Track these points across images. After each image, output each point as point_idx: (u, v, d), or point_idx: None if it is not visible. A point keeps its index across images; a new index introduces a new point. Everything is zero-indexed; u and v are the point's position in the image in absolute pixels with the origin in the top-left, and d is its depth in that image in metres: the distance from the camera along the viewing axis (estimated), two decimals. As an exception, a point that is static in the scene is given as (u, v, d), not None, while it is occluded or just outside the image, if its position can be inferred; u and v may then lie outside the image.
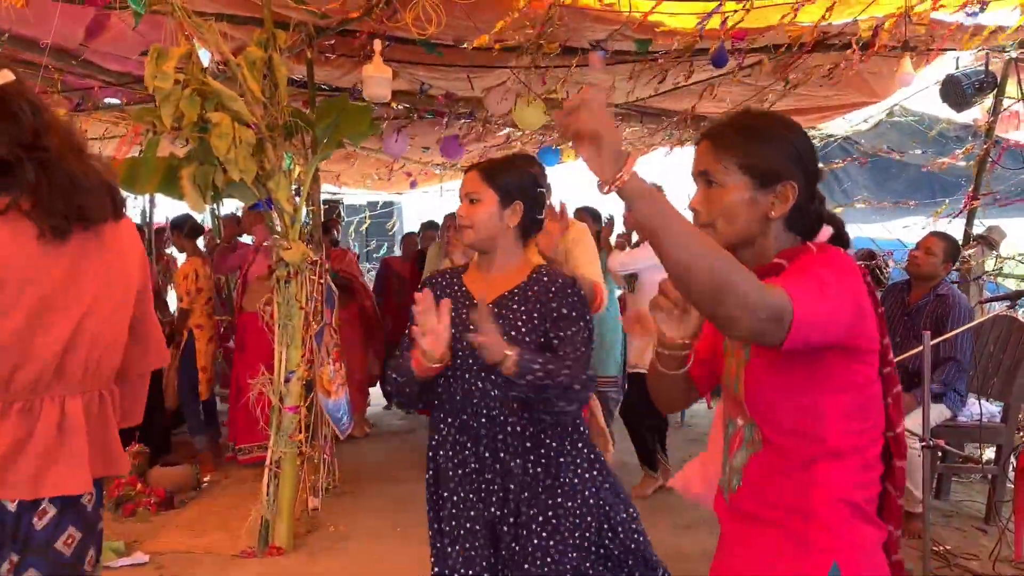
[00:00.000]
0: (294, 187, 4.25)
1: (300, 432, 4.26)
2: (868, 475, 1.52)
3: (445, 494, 2.29)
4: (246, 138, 3.79)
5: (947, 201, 6.38)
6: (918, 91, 6.05)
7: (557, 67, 5.24)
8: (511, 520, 2.23)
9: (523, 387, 2.07)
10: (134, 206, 8.32)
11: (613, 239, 5.84)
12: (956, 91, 5.33)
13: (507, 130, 7.38)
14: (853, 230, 8.98)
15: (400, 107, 6.75)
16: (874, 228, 8.05)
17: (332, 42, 5.07)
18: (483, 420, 2.24)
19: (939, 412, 4.33)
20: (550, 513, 2.21)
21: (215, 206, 7.16)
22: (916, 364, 3.96)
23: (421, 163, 9.52)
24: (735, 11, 3.92)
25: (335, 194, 11.64)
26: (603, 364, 5.49)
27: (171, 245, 6.94)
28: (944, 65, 5.64)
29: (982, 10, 4.24)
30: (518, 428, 2.23)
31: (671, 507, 4.85)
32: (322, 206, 5.44)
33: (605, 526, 2.30)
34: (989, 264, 6.08)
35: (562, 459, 2.26)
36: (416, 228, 8.51)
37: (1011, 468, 4.46)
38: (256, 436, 5.40)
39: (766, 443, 1.55)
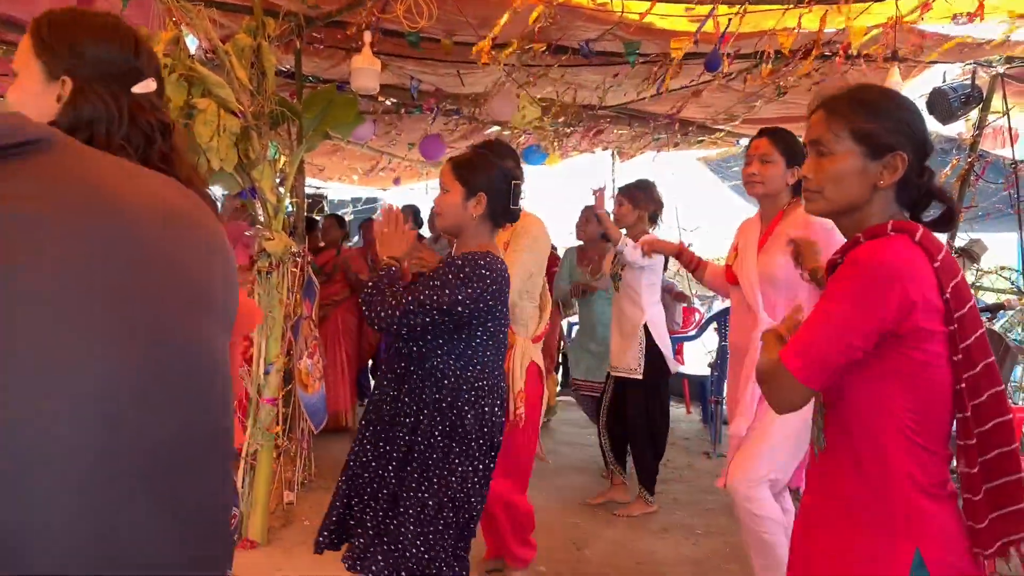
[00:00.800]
0: (278, 177, 4.21)
1: (277, 424, 4.22)
2: (931, 459, 1.53)
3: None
4: (230, 126, 3.74)
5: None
6: (905, 103, 6.07)
7: (548, 66, 5.22)
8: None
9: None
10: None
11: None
12: (942, 104, 5.35)
13: (495, 128, 7.34)
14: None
15: (389, 102, 6.71)
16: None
17: (321, 35, 5.04)
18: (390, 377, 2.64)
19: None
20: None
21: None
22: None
23: (407, 160, 9.48)
24: (728, 16, 3.92)
25: (319, 188, 11.57)
26: (598, 369, 5.46)
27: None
28: (931, 78, 5.68)
29: (971, 22, 4.26)
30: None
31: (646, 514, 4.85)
32: (306, 199, 5.40)
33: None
34: (970, 277, 6.11)
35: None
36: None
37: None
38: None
39: (834, 418, 1.64)
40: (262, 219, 4.13)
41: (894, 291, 1.46)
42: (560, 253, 6.59)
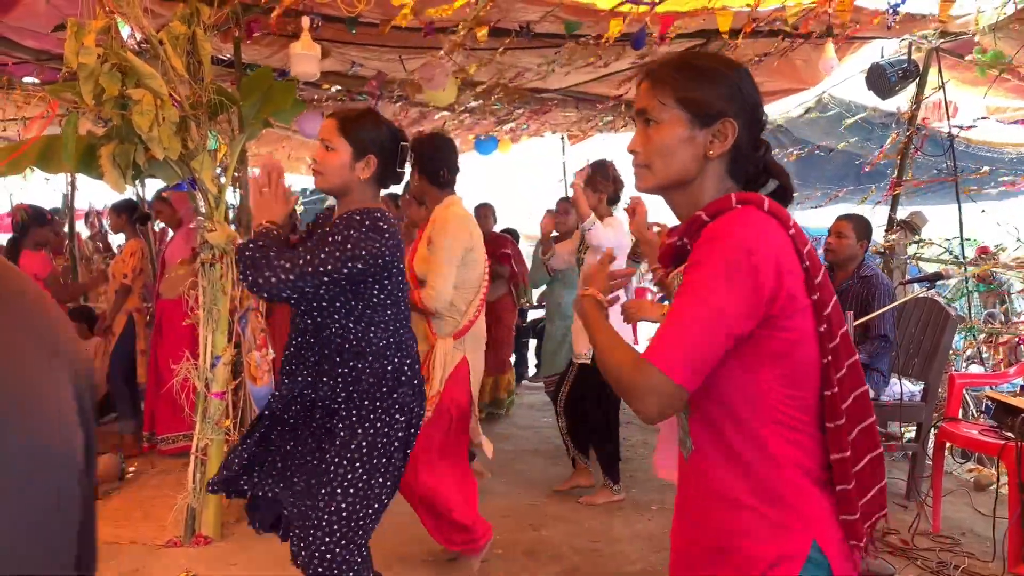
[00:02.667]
0: (219, 168, 4.14)
1: (227, 418, 4.17)
2: (812, 442, 1.44)
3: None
4: (169, 116, 3.66)
5: (873, 187, 6.54)
6: (845, 79, 6.19)
7: (488, 49, 5.20)
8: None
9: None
10: (55, 190, 8.03)
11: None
12: (880, 79, 5.46)
13: (443, 113, 7.31)
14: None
15: (332, 89, 6.63)
16: (804, 215, 8.23)
17: (259, 22, 4.95)
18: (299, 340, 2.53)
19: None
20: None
21: (137, 187, 6.96)
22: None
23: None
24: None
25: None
26: (554, 360, 5.44)
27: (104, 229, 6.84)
28: (870, 54, 5.77)
29: (903, 2, 4.35)
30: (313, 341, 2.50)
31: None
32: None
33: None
34: (911, 248, 6.25)
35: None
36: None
37: (930, 446, 4.61)
38: (179, 426, 5.30)
39: (699, 414, 1.50)
40: (204, 210, 4.06)
41: (764, 263, 1.34)
42: (520, 237, 6.59)
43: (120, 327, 5.77)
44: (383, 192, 2.78)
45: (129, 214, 5.88)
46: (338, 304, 2.39)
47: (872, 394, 4.47)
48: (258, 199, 2.45)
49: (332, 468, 2.43)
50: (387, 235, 2.36)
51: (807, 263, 1.40)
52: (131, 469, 5.34)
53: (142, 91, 3.64)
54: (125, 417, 5.83)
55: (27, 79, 6.71)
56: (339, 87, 6.61)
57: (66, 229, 7.69)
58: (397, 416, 2.49)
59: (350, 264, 2.29)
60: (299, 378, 2.50)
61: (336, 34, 5.15)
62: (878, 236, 6.22)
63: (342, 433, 2.45)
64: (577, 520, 4.48)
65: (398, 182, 2.59)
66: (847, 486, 1.42)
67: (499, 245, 6.64)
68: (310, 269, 2.25)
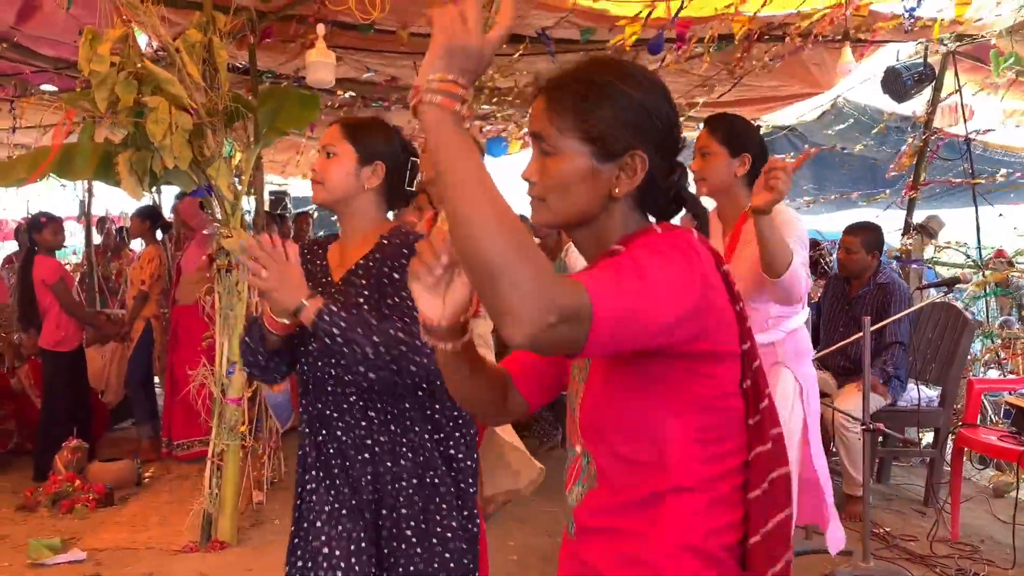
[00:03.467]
0: (235, 175, 4.16)
1: (243, 424, 4.19)
2: (725, 516, 1.24)
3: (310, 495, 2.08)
4: (183, 124, 3.69)
5: (887, 192, 6.51)
6: (861, 82, 6.16)
7: (504, 55, 5.21)
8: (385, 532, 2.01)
9: (323, 342, 1.88)
10: (72, 198, 8.09)
11: None
12: (896, 83, 5.43)
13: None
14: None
15: (346, 95, 6.67)
16: (819, 220, 8.20)
17: (274, 30, 4.98)
18: (336, 410, 2.02)
19: (879, 397, 4.42)
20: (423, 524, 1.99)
21: (154, 194, 7.03)
22: (858, 352, 4.04)
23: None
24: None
25: (281, 185, 11.47)
26: None
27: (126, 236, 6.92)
28: (886, 57, 5.75)
29: (919, 5, 4.32)
30: (379, 417, 2.01)
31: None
32: (268, 197, 5.37)
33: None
34: (928, 252, 6.21)
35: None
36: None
37: (948, 451, 4.57)
38: (194, 431, 5.34)
39: (601, 477, 1.29)
40: (220, 217, 4.08)
41: (698, 263, 1.16)
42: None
43: (138, 333, 5.82)
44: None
45: (152, 221, 5.93)
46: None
47: (890, 399, 4.51)
48: (275, 286, 1.87)
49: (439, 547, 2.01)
50: None
51: (739, 307, 1.24)
52: (148, 474, 5.36)
53: (158, 99, 3.67)
54: (142, 422, 5.88)
55: (44, 87, 6.77)
56: (352, 93, 6.64)
57: (83, 236, 7.77)
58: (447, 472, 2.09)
59: None
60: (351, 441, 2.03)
61: (351, 40, 5.18)
62: (894, 240, 6.19)
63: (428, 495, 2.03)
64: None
65: (406, 203, 2.28)
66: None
67: None
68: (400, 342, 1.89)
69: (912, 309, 4.25)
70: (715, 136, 2.64)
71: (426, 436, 2.03)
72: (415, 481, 2.01)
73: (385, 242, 2.05)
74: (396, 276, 1.99)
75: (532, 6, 4.25)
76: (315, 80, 4.51)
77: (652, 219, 1.31)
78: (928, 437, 5.17)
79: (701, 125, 2.80)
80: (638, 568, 1.23)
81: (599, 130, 1.21)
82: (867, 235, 4.74)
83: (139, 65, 3.70)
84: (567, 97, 1.23)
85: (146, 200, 7.05)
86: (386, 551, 2.00)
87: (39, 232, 5.30)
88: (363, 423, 2.01)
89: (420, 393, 2.02)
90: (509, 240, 0.98)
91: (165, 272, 5.88)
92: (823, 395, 4.54)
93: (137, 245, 7.82)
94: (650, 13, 3.95)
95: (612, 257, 1.16)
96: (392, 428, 2.01)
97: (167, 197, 7.59)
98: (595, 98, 1.23)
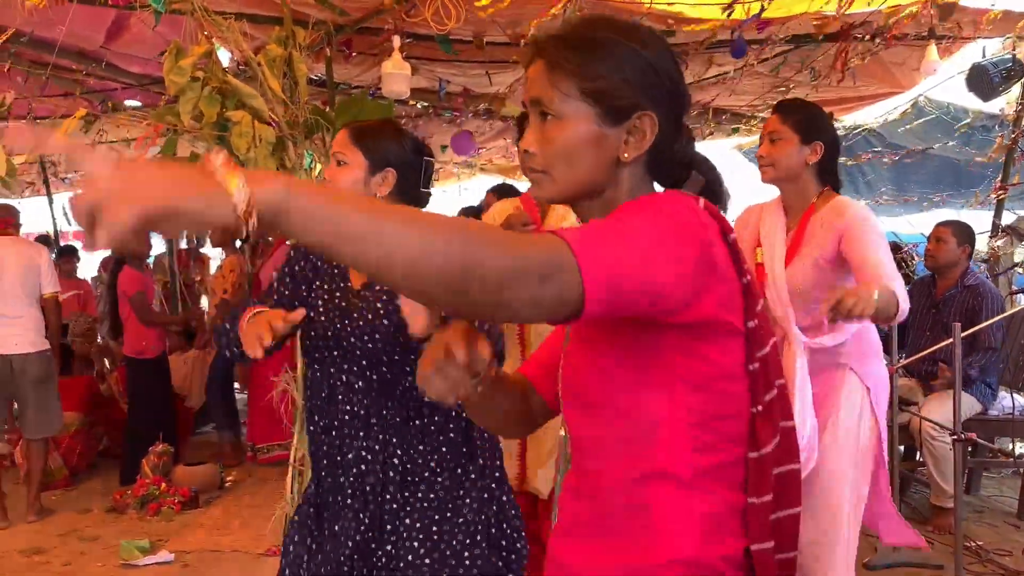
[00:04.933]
0: (315, 185, 4.24)
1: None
2: (724, 519, 1.12)
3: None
4: (266, 136, 3.77)
5: (977, 191, 6.29)
6: (944, 81, 5.96)
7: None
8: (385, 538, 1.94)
9: None
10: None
11: None
12: (982, 80, 5.24)
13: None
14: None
15: (419, 105, 6.74)
16: (898, 222, 7.97)
17: (348, 39, 5.07)
18: (352, 418, 1.96)
19: (969, 405, 4.26)
20: (433, 529, 1.93)
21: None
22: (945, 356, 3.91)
23: (439, 162, 9.51)
24: (759, 1, 3.87)
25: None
26: None
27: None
28: (970, 54, 5.56)
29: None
30: (398, 422, 1.94)
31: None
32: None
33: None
34: (1019, 255, 5.98)
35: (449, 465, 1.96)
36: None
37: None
38: (275, 435, 5.47)
39: (576, 454, 1.21)
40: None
41: (690, 228, 1.04)
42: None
43: (220, 338, 5.98)
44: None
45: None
46: (413, 355, 1.90)
47: (979, 408, 4.35)
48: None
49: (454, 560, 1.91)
50: None
51: (747, 279, 1.12)
52: (230, 478, 5.50)
53: (241, 113, 3.76)
54: (223, 428, 6.04)
55: (130, 103, 7.02)
56: (425, 103, 6.71)
57: (163, 247, 8.00)
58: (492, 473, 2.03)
59: None
60: (361, 454, 1.96)
61: (424, 51, 5.24)
62: (981, 243, 5.97)
63: (449, 511, 1.96)
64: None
65: (423, 204, 2.22)
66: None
67: None
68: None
69: (1006, 314, 4.10)
70: (787, 122, 2.50)
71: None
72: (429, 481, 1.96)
73: None
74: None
75: (606, 10, 4.23)
76: (390, 91, 4.57)
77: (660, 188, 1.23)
78: (1021, 447, 4.97)
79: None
80: None
81: (605, 90, 1.12)
82: (960, 227, 4.62)
83: (222, 80, 3.80)
84: (569, 57, 1.13)
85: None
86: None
87: None
88: (373, 435, 1.95)
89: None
90: (460, 238, 0.86)
91: (245, 281, 6.03)
92: (909, 403, 4.41)
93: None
94: (730, 13, 3.89)
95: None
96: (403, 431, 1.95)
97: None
98: (599, 56, 1.13)
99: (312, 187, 0.85)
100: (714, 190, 1.23)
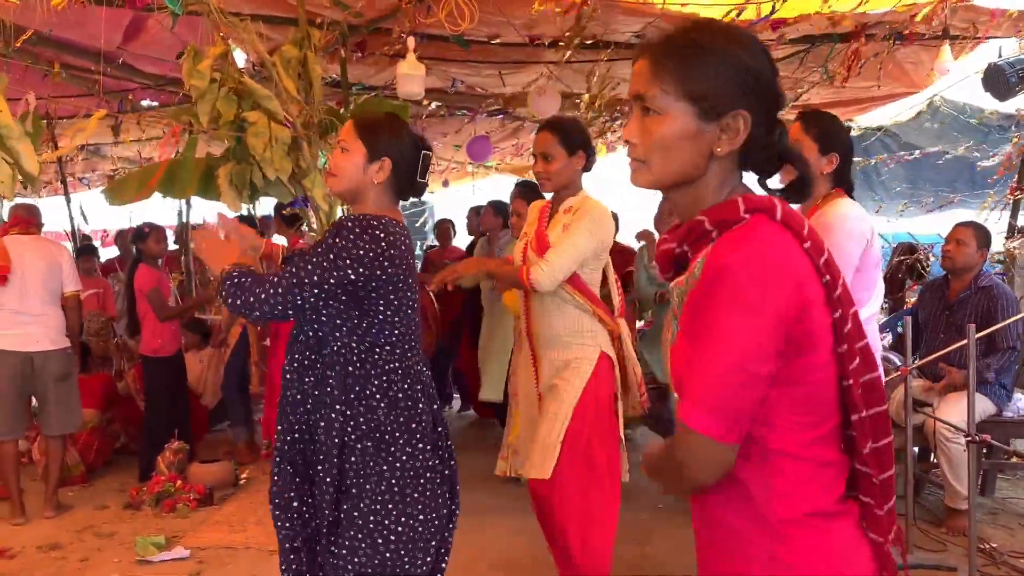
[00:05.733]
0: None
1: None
2: (830, 477, 1.29)
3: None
4: (282, 136, 3.81)
5: (992, 192, 6.25)
6: (960, 80, 5.94)
7: (590, 61, 5.22)
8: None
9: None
10: (170, 207, 8.42)
11: None
12: (999, 80, 5.21)
13: (539, 127, 7.35)
14: (892, 224, 8.73)
15: (432, 105, 6.77)
16: (913, 222, 7.93)
17: (363, 40, 5.10)
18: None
19: (984, 407, 4.25)
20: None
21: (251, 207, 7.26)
22: (960, 360, 3.90)
23: (453, 161, 9.54)
24: (771, 2, 3.87)
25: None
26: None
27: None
28: (987, 53, 5.53)
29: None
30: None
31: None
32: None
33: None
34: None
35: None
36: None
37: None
38: (292, 434, 5.49)
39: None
40: (315, 227, 4.20)
41: (785, 289, 1.19)
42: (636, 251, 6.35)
43: (234, 339, 6.01)
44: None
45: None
46: (339, 321, 2.21)
47: (994, 409, 4.33)
48: (210, 249, 2.34)
49: (360, 519, 2.22)
50: (384, 243, 2.16)
51: (827, 277, 1.24)
52: (244, 476, 5.54)
53: (257, 113, 3.80)
54: (238, 425, 6.07)
55: (145, 103, 7.09)
56: (439, 103, 6.74)
57: (177, 245, 8.06)
58: (419, 445, 2.26)
59: (338, 273, 2.10)
60: (299, 407, 2.30)
61: (437, 51, 5.26)
62: (998, 244, 5.94)
63: (360, 474, 2.22)
64: (684, 537, 4.41)
65: (418, 193, 2.43)
66: (871, 500, 1.30)
67: (625, 261, 5.86)
68: (296, 280, 2.10)
69: (1022, 315, 4.08)
70: (809, 132, 2.71)
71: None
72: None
73: (344, 220, 2.24)
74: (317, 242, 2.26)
75: (619, 11, 4.25)
76: (405, 92, 4.60)
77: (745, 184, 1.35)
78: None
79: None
80: (767, 536, 1.27)
81: (703, 90, 1.24)
82: (980, 230, 4.58)
83: (238, 81, 3.84)
84: (672, 57, 1.26)
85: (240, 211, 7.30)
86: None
87: (143, 241, 5.53)
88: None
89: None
90: (665, 460, 1.35)
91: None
92: (923, 405, 4.39)
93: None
94: (739, 14, 3.89)
95: (693, 329, 1.23)
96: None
97: (262, 209, 7.83)
98: (700, 58, 1.25)
99: None
100: (804, 183, 1.33)
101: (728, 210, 1.25)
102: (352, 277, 2.11)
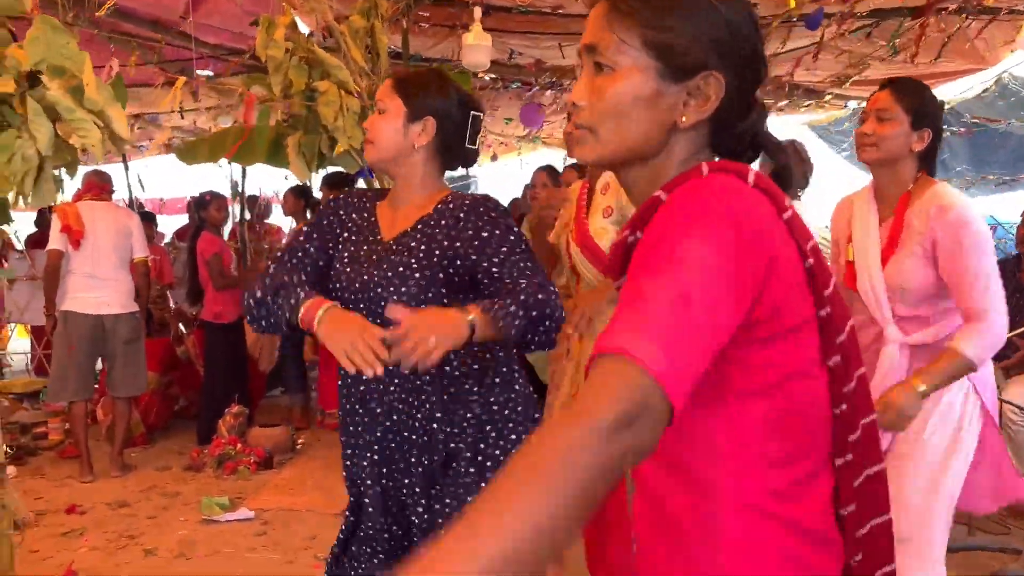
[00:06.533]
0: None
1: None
2: (809, 548, 0.99)
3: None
4: (351, 106, 3.84)
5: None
6: (1030, 57, 5.80)
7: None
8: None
9: (512, 336, 1.71)
10: (225, 177, 8.51)
11: None
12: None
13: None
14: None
15: (487, 77, 6.76)
16: (975, 203, 7.77)
17: (427, 14, 5.11)
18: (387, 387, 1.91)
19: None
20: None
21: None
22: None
23: (503, 135, 9.53)
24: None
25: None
26: None
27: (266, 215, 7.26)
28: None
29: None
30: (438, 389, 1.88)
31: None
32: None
33: None
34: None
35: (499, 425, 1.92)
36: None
37: None
38: (345, 401, 5.59)
39: (641, 484, 1.07)
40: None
41: (747, 233, 0.92)
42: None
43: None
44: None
45: (306, 199, 6.19)
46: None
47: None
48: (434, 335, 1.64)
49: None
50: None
51: (810, 261, 0.99)
52: (300, 441, 5.65)
53: (327, 83, 3.83)
54: (293, 391, 6.19)
55: (202, 72, 7.15)
56: (493, 75, 6.73)
57: (236, 214, 8.16)
58: (501, 429, 1.97)
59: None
60: (402, 419, 1.91)
61: (497, 23, 5.25)
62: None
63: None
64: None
65: (467, 163, 2.08)
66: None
67: None
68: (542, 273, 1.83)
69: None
70: (901, 102, 2.30)
71: None
72: None
73: (451, 201, 1.92)
74: (486, 233, 1.85)
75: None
76: (471, 63, 4.60)
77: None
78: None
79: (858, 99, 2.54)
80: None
81: (670, 43, 1.00)
82: None
83: (309, 50, 3.86)
84: (635, 1, 1.01)
85: (294, 180, 7.37)
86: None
87: (205, 209, 5.63)
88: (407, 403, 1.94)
89: None
90: (564, 504, 0.76)
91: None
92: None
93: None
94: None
95: (639, 268, 0.93)
96: None
97: (316, 178, 7.89)
98: (670, 4, 1.01)
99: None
100: (783, 177, 1.07)
101: (688, 174, 1.00)
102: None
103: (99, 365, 5.19)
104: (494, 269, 1.82)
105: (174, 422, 6.11)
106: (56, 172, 2.54)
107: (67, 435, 5.50)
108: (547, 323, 1.75)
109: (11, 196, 2.28)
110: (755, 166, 1.06)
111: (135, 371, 5.02)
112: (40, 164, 2.43)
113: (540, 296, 1.73)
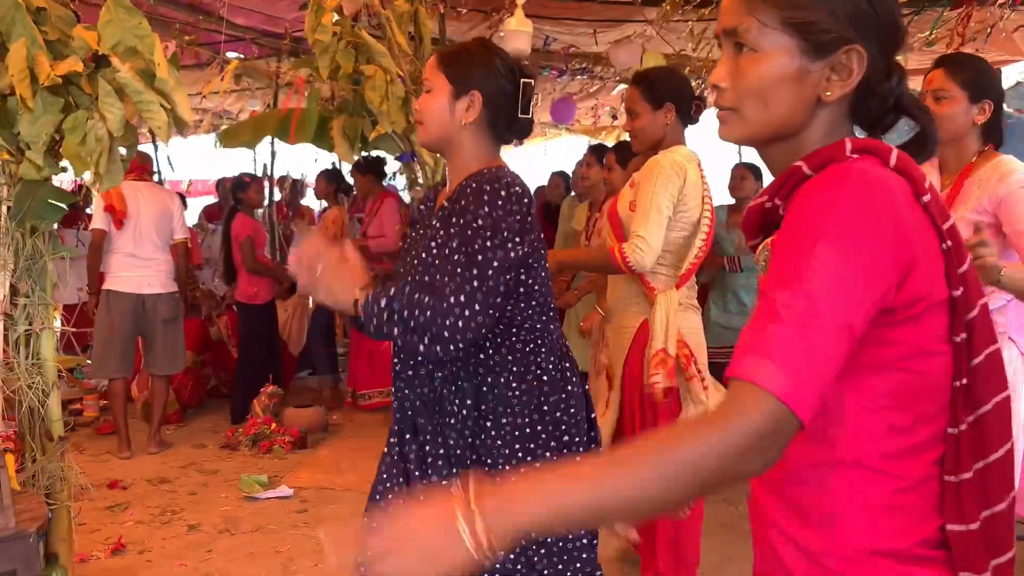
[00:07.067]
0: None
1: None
2: (917, 504, 1.01)
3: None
4: (396, 91, 3.88)
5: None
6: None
7: (689, 21, 5.18)
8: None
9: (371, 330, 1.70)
10: (254, 159, 8.58)
11: None
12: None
13: (622, 86, 7.32)
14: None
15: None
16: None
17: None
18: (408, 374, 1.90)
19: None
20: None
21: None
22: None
23: (528, 121, 9.55)
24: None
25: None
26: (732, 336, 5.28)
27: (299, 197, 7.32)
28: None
29: None
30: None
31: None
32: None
33: None
34: None
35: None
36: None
37: None
38: (376, 382, 5.66)
39: None
40: (421, 181, 4.28)
41: (888, 233, 0.94)
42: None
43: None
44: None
45: (338, 183, 6.23)
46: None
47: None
48: (329, 279, 1.70)
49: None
50: (526, 202, 1.79)
51: (948, 243, 1.00)
52: (332, 421, 5.71)
53: (373, 67, 3.87)
54: (324, 373, 6.27)
55: (231, 55, 7.19)
56: (526, 62, 6.74)
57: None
58: (552, 431, 1.88)
59: (512, 252, 1.73)
60: (415, 403, 1.90)
61: (531, 9, 5.26)
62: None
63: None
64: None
65: (523, 134, 1.96)
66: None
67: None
68: (479, 283, 1.67)
69: None
70: (955, 79, 2.29)
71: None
72: None
73: (466, 185, 1.80)
74: (455, 219, 1.76)
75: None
76: (512, 49, 4.60)
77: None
78: None
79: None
80: (816, 569, 1.02)
81: (809, 20, 1.00)
82: None
83: (355, 35, 3.90)
84: None
85: (323, 163, 7.43)
86: None
87: (244, 191, 5.68)
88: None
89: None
90: (682, 486, 0.90)
91: (348, 234, 6.19)
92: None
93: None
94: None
95: (774, 275, 0.95)
96: None
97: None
98: None
99: (535, 494, 0.92)
100: (925, 139, 1.09)
101: (832, 150, 1.02)
102: (521, 251, 1.76)
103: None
104: (429, 258, 1.79)
105: (206, 401, 6.19)
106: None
107: (102, 412, 5.58)
108: (421, 337, 1.66)
109: (88, 176, 2.32)
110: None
111: (174, 350, 5.09)
112: (109, 145, 2.47)
113: (430, 315, 1.64)
